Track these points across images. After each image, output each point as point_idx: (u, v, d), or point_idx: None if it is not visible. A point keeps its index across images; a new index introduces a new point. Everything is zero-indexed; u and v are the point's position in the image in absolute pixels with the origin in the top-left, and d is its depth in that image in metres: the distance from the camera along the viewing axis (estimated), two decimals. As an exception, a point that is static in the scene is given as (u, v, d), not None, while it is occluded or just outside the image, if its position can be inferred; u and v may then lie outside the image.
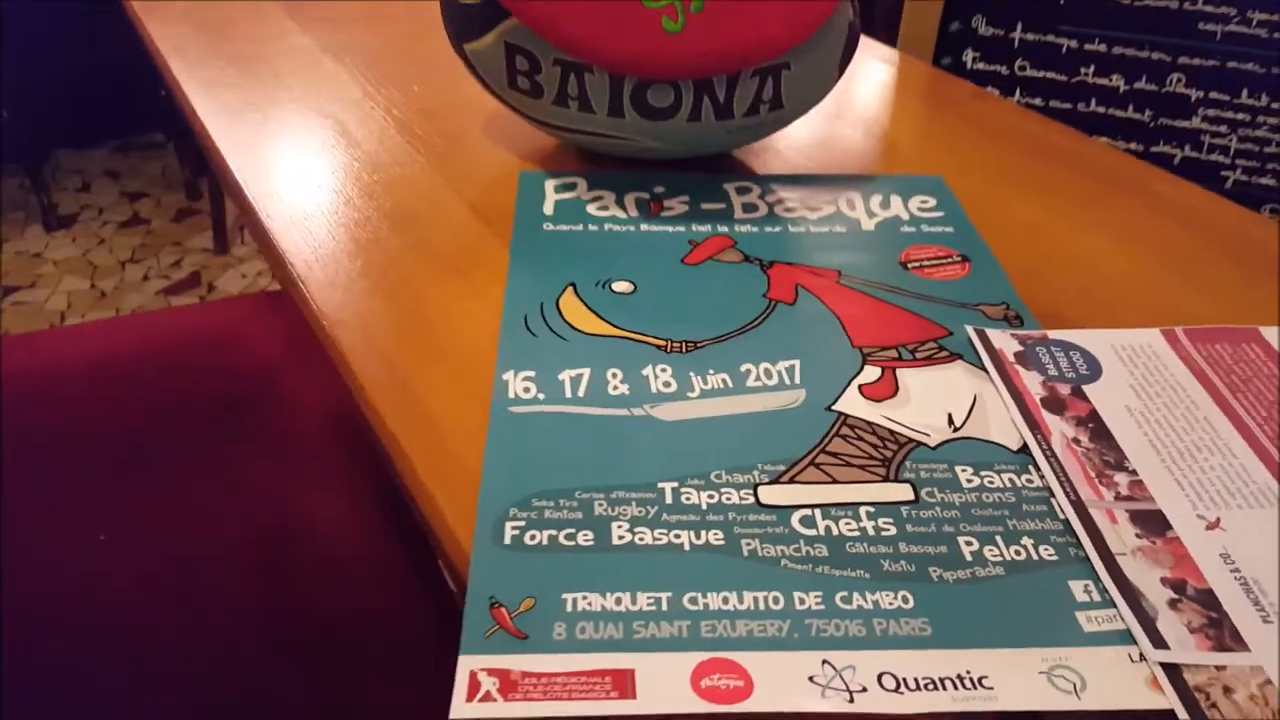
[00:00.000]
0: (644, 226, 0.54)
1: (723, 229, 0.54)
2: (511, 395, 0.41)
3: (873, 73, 0.79)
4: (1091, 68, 0.94)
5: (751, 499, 0.37)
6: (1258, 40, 0.89)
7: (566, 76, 0.53)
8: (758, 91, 0.54)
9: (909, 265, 0.52)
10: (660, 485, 0.37)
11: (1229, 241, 0.58)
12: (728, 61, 0.50)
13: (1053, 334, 0.47)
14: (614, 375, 0.42)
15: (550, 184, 0.58)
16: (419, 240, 0.53)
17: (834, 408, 0.41)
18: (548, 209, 0.55)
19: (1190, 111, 0.94)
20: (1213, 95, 0.92)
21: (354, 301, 0.48)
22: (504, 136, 0.64)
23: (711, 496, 0.37)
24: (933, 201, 0.58)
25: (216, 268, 2.03)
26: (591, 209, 0.55)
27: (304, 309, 0.48)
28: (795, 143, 0.66)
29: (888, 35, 0.95)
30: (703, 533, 0.35)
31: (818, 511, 0.36)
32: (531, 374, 0.42)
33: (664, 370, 0.43)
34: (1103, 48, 0.92)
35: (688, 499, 0.37)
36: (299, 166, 0.59)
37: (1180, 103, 0.94)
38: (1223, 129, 0.94)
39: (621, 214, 0.55)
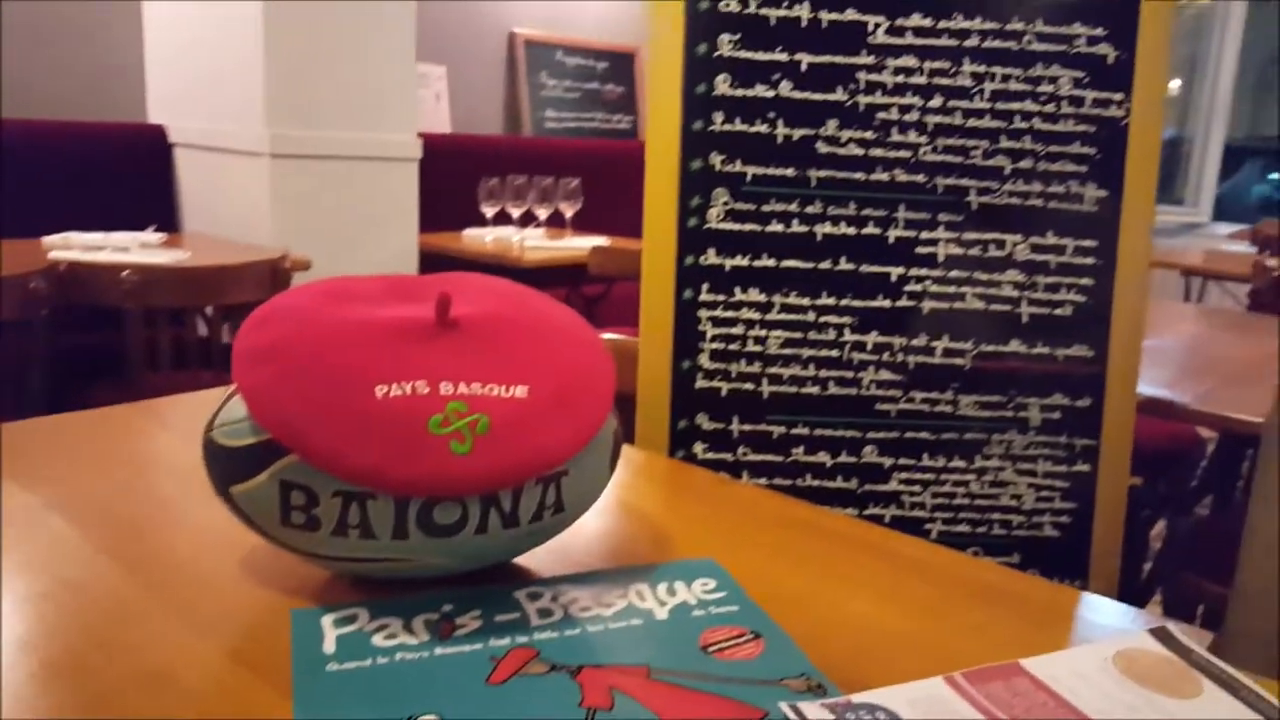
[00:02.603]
0: (439, 650, 0.51)
1: (522, 639, 0.53)
2: None
3: (624, 469, 0.85)
4: (800, 448, 1.07)
5: None
6: (922, 414, 1.08)
7: (348, 506, 0.52)
8: (541, 498, 0.56)
9: (709, 649, 0.53)
10: None
11: (964, 585, 0.65)
12: (514, 476, 0.53)
13: (855, 698, 0.49)
14: (438, 828, 0.38)
15: (328, 619, 0.54)
16: (178, 706, 0.46)
17: (683, 818, 0.39)
18: (329, 647, 0.51)
19: (887, 476, 1.09)
20: (901, 461, 1.08)
21: (104, 794, 0.40)
22: (269, 574, 0.60)
23: None
24: (713, 583, 0.61)
25: None
26: (378, 640, 0.52)
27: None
28: (575, 540, 0.67)
29: (626, 437, 1.04)
30: None
31: None
32: (341, 846, 0.37)
33: (494, 810, 0.39)
34: (806, 431, 1.07)
35: None
36: (28, 637, 0.51)
37: (877, 470, 1.09)
38: (917, 489, 1.09)
39: (412, 640, 0.52)
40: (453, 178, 3.06)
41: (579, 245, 2.77)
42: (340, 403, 0.53)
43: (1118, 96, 1.06)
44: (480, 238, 2.92)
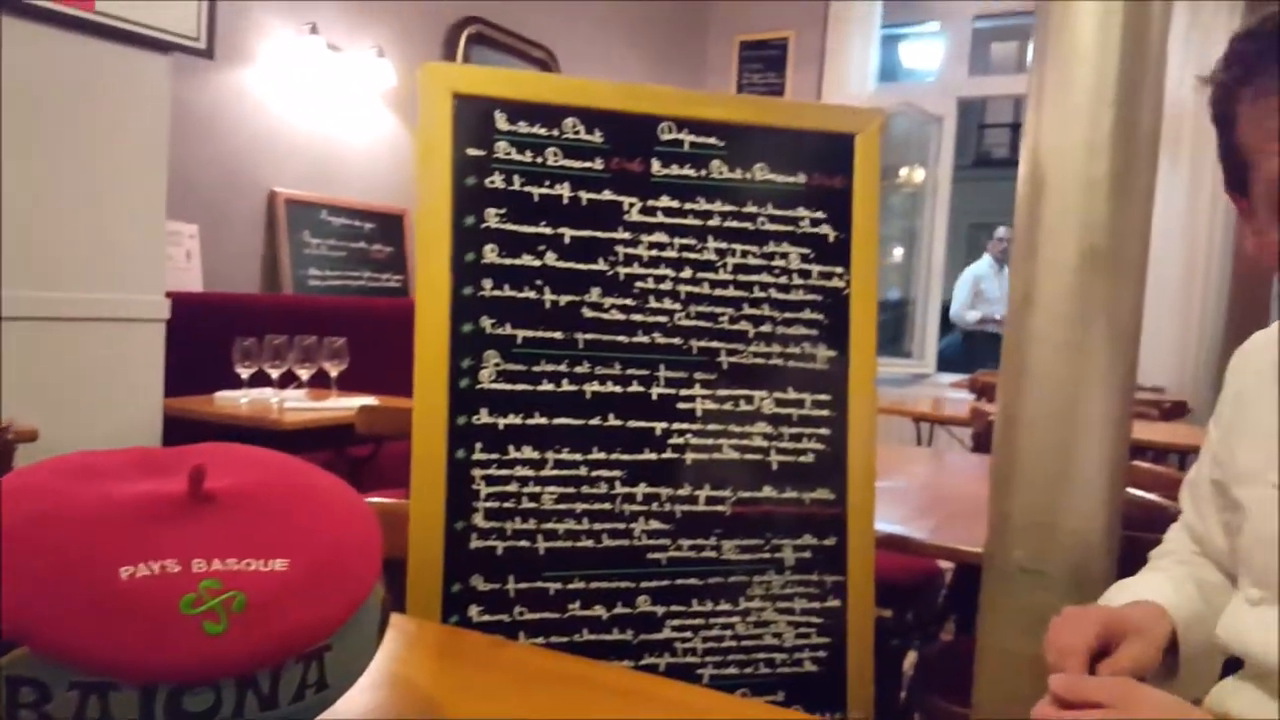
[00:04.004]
0: None
1: (284, 835, 0.49)
2: None
3: (393, 639, 0.82)
4: (577, 603, 1.08)
5: None
6: (690, 561, 1.13)
7: (86, 699, 0.47)
8: (302, 676, 0.54)
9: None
10: None
11: (735, 727, 0.68)
12: (273, 655, 0.50)
13: None
14: None
15: (54, 835, 0.48)
16: None
17: None
18: None
19: (660, 625, 1.11)
20: (673, 608, 1.12)
21: None
22: (-20, 791, 0.53)
23: None
24: (489, 751, 0.60)
25: None
26: None
27: None
28: (339, 718, 0.64)
29: (396, 604, 1.01)
30: None
31: None
32: None
33: None
34: (582, 585, 1.09)
35: None
36: None
37: (651, 619, 1.11)
38: (688, 634, 1.12)
39: None
40: (204, 338, 2.91)
41: (345, 405, 2.68)
42: (79, 587, 0.49)
43: (839, 270, 1.21)
44: (234, 400, 2.76)
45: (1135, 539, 1.10)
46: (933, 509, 1.78)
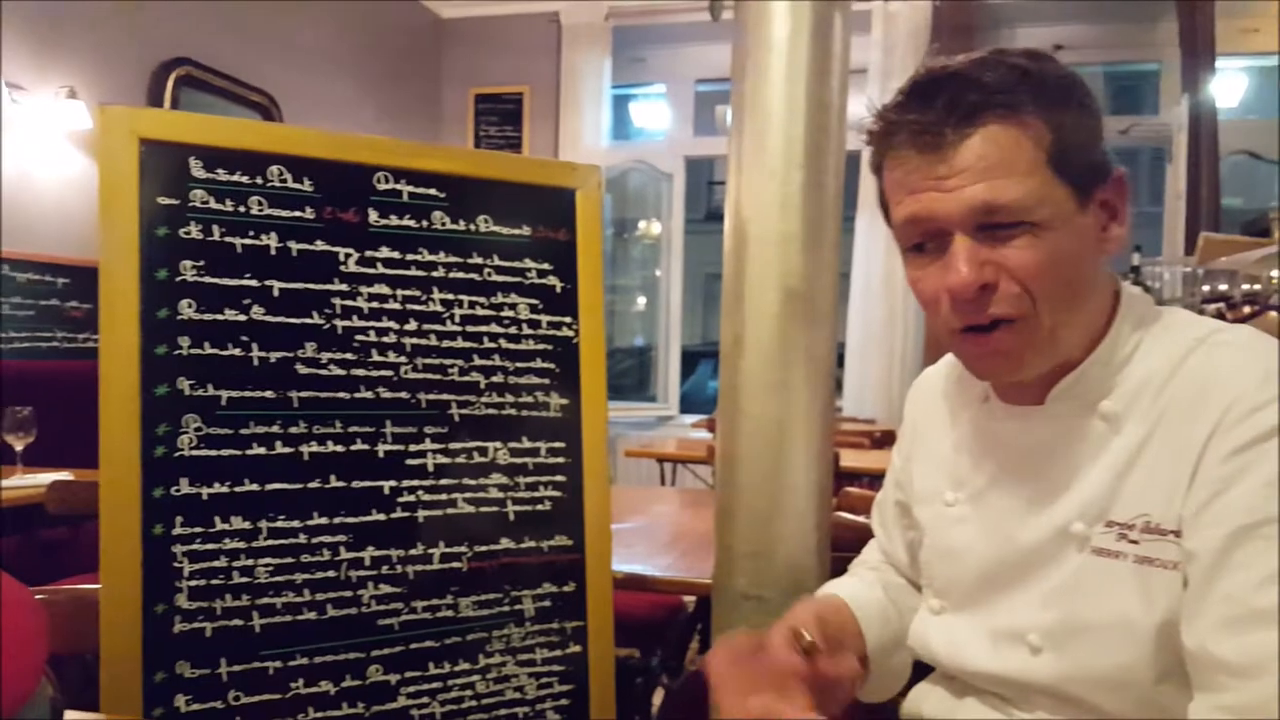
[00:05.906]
0: None
1: None
2: None
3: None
4: (300, 681, 1.01)
5: None
6: (426, 623, 1.09)
7: None
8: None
9: None
10: None
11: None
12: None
13: None
14: None
15: None
16: None
17: None
18: None
19: (395, 694, 1.07)
20: (408, 675, 1.07)
21: None
22: None
23: None
24: None
25: None
26: None
27: None
28: None
29: (90, 696, 0.90)
30: None
31: None
32: None
33: None
34: (305, 660, 1.01)
35: None
36: None
37: (384, 689, 1.06)
38: (425, 699, 1.08)
39: None
40: None
41: (33, 482, 2.37)
42: None
43: (568, 319, 1.23)
44: (-109, 485, 2.36)
45: (847, 559, 1.20)
46: (672, 545, 1.84)
